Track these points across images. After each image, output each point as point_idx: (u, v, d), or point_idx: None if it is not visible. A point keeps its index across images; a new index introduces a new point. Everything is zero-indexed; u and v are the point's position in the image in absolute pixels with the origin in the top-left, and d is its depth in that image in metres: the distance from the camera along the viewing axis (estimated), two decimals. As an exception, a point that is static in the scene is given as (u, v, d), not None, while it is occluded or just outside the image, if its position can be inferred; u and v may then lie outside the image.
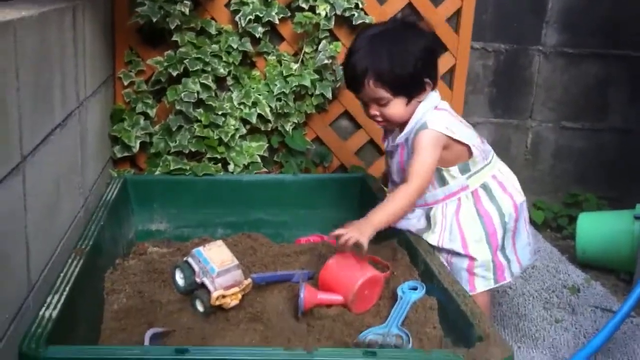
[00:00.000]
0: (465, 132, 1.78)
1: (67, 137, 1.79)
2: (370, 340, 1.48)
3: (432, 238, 1.80)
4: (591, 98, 2.91)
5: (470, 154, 1.78)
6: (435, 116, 1.76)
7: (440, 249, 1.80)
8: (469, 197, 1.80)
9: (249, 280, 1.68)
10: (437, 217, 1.80)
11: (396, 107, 1.75)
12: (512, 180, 1.85)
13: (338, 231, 1.63)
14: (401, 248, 1.82)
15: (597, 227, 2.50)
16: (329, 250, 1.96)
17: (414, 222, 1.83)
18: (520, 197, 1.84)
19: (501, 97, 2.83)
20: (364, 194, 2.33)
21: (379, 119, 1.80)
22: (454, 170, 1.79)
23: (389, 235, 1.90)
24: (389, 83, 1.72)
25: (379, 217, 1.70)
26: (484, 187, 1.81)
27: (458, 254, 1.79)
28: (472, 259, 1.78)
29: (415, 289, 1.63)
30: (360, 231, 1.62)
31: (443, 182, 1.80)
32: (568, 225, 2.84)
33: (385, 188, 2.14)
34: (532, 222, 2.88)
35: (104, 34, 2.33)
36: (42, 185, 1.56)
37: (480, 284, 1.80)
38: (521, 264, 1.87)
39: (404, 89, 1.73)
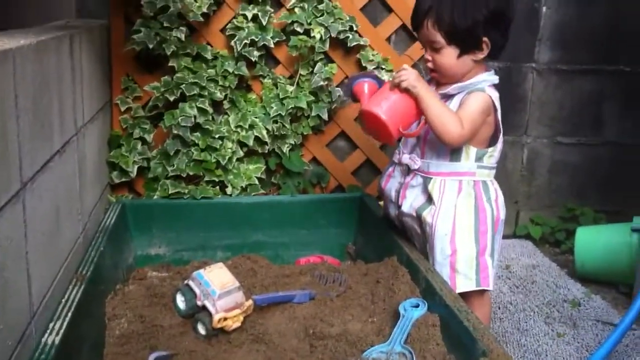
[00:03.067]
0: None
1: (65, 164, 1.79)
2: (374, 358, 1.48)
3: (429, 215, 1.79)
4: (585, 113, 2.93)
5: (490, 144, 1.80)
6: (492, 89, 1.78)
7: (432, 236, 1.79)
8: (470, 185, 1.79)
9: (250, 301, 1.68)
10: (434, 193, 1.79)
11: (447, 57, 1.76)
12: (500, 195, 1.86)
13: (404, 67, 1.73)
14: (402, 266, 1.83)
15: (595, 241, 2.51)
16: (330, 271, 1.97)
17: (415, 197, 1.83)
18: (503, 213, 1.84)
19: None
20: (362, 214, 2.34)
21: (430, 65, 1.80)
22: (472, 150, 1.78)
23: (389, 252, 1.91)
24: (445, 29, 1.73)
25: (430, 95, 1.72)
26: (485, 185, 1.81)
27: (442, 249, 1.78)
28: (455, 252, 1.77)
29: (417, 306, 1.63)
30: (417, 79, 1.71)
31: (457, 156, 1.79)
32: (566, 239, 2.85)
33: (380, 202, 2.14)
34: (530, 238, 2.89)
35: (101, 61, 2.35)
36: (42, 211, 1.56)
37: (462, 284, 1.77)
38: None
39: (457, 39, 1.74)
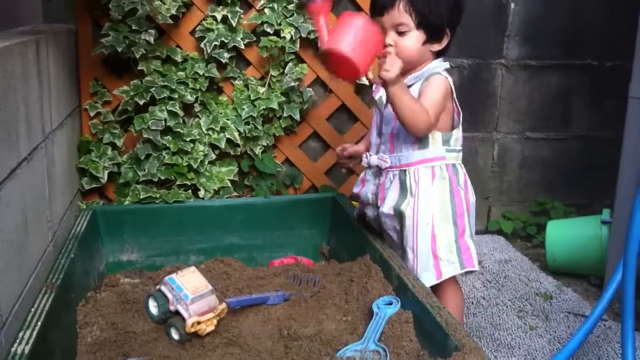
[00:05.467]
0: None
1: (33, 171, 1.77)
2: (348, 357, 1.48)
3: (409, 207, 1.80)
4: (554, 108, 2.97)
5: (453, 127, 1.83)
6: (446, 73, 1.82)
7: (415, 228, 1.81)
8: (443, 169, 1.81)
9: (224, 305, 1.67)
10: (411, 183, 1.81)
11: (412, 40, 1.78)
12: (468, 179, 1.88)
13: (390, 53, 1.69)
14: (375, 264, 1.83)
15: (565, 234, 2.54)
16: (303, 271, 1.98)
17: (392, 196, 1.83)
18: (473, 196, 1.87)
19: (466, 111, 2.81)
20: (335, 213, 2.34)
21: (391, 49, 1.78)
22: (438, 135, 1.80)
23: (363, 251, 1.92)
24: (418, 11, 1.75)
25: (404, 92, 1.71)
26: (455, 168, 1.83)
27: (424, 238, 1.79)
28: (434, 238, 1.79)
29: (390, 303, 1.64)
30: (398, 75, 1.67)
31: (424, 144, 1.81)
32: (537, 233, 2.88)
33: (354, 203, 2.15)
34: (502, 233, 2.92)
35: (68, 66, 2.32)
36: (10, 220, 1.54)
37: (446, 269, 1.79)
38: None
39: (427, 24, 1.77)
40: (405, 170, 1.82)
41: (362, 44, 1.64)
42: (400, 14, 1.76)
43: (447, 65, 1.85)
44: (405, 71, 1.82)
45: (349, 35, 1.64)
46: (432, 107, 1.75)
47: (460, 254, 1.80)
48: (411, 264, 1.79)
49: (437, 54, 1.85)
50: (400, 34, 1.78)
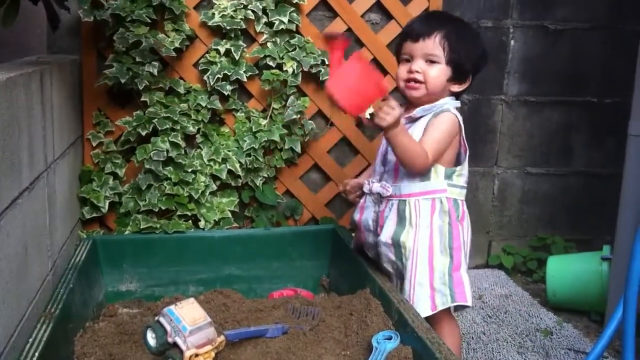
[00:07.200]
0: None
1: (34, 201, 1.78)
2: (346, 393, 1.47)
3: (409, 238, 1.81)
4: (554, 144, 2.98)
5: (456, 164, 1.85)
6: (456, 111, 1.85)
7: (414, 260, 1.81)
8: (444, 202, 1.82)
9: (222, 337, 1.66)
10: (411, 215, 1.82)
11: (439, 73, 1.82)
12: (467, 217, 1.89)
13: (392, 105, 1.69)
14: (375, 298, 1.83)
15: (566, 270, 2.53)
16: (303, 304, 1.97)
17: (390, 225, 1.84)
18: (469, 233, 1.88)
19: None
20: (335, 245, 2.34)
21: (419, 76, 1.83)
22: (440, 168, 1.82)
23: (363, 284, 1.91)
24: (451, 48, 1.81)
25: (401, 135, 1.73)
26: (455, 203, 1.84)
27: (423, 270, 1.80)
28: (432, 269, 1.79)
29: (390, 338, 1.63)
30: (396, 120, 1.69)
31: (426, 176, 1.83)
32: (537, 269, 2.87)
33: (352, 234, 2.15)
34: (503, 267, 2.91)
35: (72, 97, 2.34)
36: (10, 249, 1.54)
37: (440, 301, 1.79)
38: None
39: (456, 64, 1.82)
40: (405, 201, 1.83)
41: (355, 90, 1.71)
42: (435, 46, 1.81)
43: (458, 103, 1.88)
44: (422, 102, 1.85)
45: (346, 81, 1.71)
46: (433, 149, 1.77)
47: (452, 286, 1.80)
48: (407, 294, 1.79)
49: (452, 94, 1.87)
50: (430, 62, 1.83)
